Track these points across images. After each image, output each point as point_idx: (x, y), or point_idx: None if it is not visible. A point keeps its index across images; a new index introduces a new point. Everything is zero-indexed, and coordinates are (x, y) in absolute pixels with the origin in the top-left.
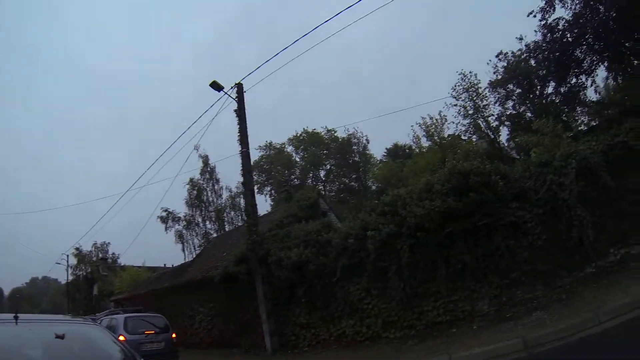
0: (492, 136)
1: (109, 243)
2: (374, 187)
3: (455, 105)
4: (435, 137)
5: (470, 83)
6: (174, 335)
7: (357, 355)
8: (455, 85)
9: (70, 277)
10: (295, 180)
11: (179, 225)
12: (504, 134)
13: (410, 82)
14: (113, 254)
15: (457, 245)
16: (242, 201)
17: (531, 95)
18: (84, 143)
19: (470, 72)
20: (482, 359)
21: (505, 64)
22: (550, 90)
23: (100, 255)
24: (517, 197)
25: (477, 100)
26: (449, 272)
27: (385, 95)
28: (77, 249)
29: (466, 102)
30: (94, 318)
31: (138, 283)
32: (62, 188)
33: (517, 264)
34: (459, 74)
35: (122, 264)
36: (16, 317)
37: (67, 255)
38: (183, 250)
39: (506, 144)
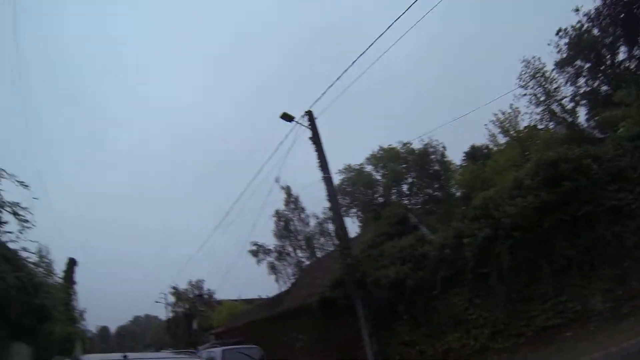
0: (570, 119)
1: (203, 280)
2: (458, 194)
3: (525, 94)
4: (511, 132)
5: (536, 69)
6: None
7: None
8: (521, 74)
9: (170, 314)
10: (379, 198)
11: (269, 257)
12: (581, 114)
13: (475, 82)
14: (208, 289)
15: (557, 240)
16: (330, 226)
17: (602, 67)
18: (169, 201)
19: (533, 57)
20: None
21: (568, 40)
22: (621, 56)
23: (196, 292)
24: (614, 178)
25: (546, 85)
26: (554, 270)
27: (453, 101)
28: (173, 287)
29: (535, 89)
30: (193, 352)
31: (235, 316)
32: (155, 236)
33: (627, 250)
34: (522, 62)
35: (218, 299)
36: (125, 357)
37: (165, 294)
38: (277, 280)
39: (586, 125)
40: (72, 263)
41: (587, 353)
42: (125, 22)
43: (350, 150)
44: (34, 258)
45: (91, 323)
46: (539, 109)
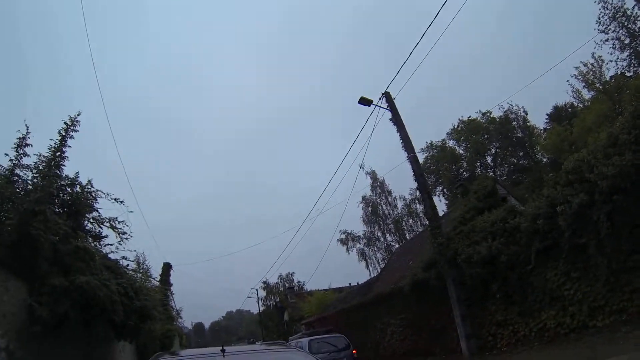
0: None
1: (293, 273)
2: (545, 160)
3: (607, 40)
4: (597, 84)
5: (615, 8)
6: (354, 352)
7: (563, 350)
8: (599, 17)
9: (262, 308)
10: (465, 173)
11: (359, 243)
12: None
13: (550, 36)
14: (299, 281)
15: None
16: (417, 207)
17: None
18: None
19: None
20: None
21: None
22: None
23: (286, 285)
24: None
25: (629, 25)
26: None
27: (529, 60)
28: (264, 282)
29: (618, 32)
30: (283, 342)
31: (326, 305)
32: (245, 234)
33: None
34: (599, 2)
35: (309, 290)
36: (223, 351)
37: (257, 290)
38: (367, 266)
39: None
40: (167, 267)
41: None
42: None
43: (430, 128)
44: (133, 265)
45: (187, 320)
46: (625, 54)
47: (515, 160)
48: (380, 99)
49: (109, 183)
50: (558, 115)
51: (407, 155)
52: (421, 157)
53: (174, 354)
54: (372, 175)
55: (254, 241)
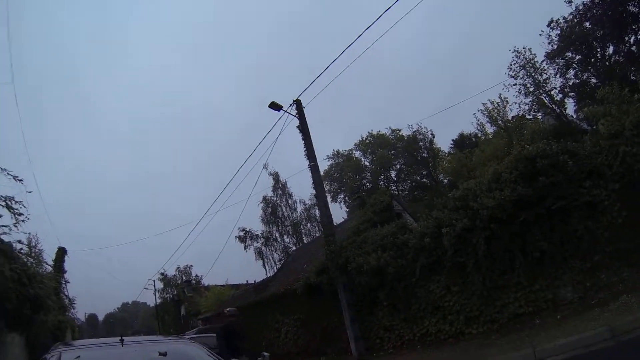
0: (558, 110)
1: (191, 266)
2: (445, 181)
3: (515, 84)
4: (499, 121)
5: (526, 59)
6: None
7: (441, 353)
8: (511, 64)
9: (158, 300)
10: (367, 184)
11: (257, 242)
12: (570, 106)
13: (464, 71)
14: (196, 275)
15: (533, 233)
16: (317, 212)
17: (593, 60)
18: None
19: (524, 48)
20: (567, 351)
21: (559, 32)
22: (611, 51)
23: (184, 278)
24: (589, 174)
25: (536, 76)
26: (528, 261)
27: (442, 89)
28: (162, 274)
29: (525, 80)
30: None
31: (223, 301)
32: (146, 222)
33: (599, 245)
34: (513, 52)
35: (206, 284)
36: (122, 340)
37: (154, 281)
38: (264, 266)
39: (574, 116)
40: (62, 252)
41: (552, 340)
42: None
43: (338, 136)
44: (25, 249)
45: (80, 311)
46: (528, 99)
47: (417, 178)
48: (290, 105)
49: (7, 160)
50: (462, 142)
51: (309, 163)
52: (326, 164)
53: (74, 344)
54: (275, 176)
55: (153, 232)
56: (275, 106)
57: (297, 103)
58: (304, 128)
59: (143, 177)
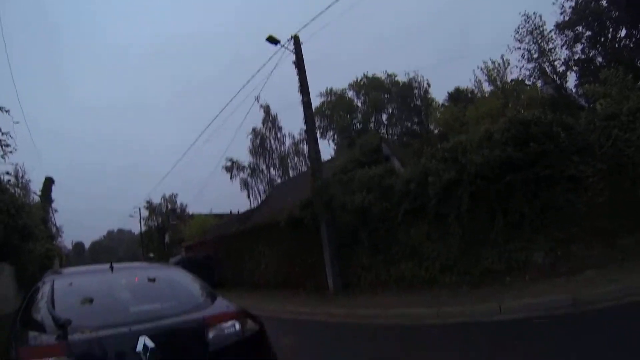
0: (559, 82)
1: (177, 194)
2: (436, 131)
3: (519, 48)
4: (498, 82)
5: (535, 25)
6: None
7: (414, 296)
8: (518, 28)
9: (143, 228)
10: (358, 124)
11: (243, 173)
12: (571, 79)
13: (471, 25)
14: (181, 203)
15: (516, 195)
16: (305, 147)
17: (602, 39)
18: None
19: (534, 14)
20: (531, 310)
21: (573, 4)
22: (623, 34)
23: (169, 206)
24: (580, 150)
25: (542, 44)
26: (507, 222)
27: (444, 39)
28: (147, 202)
29: (530, 45)
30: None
31: (206, 230)
32: (134, 149)
33: (577, 219)
34: (523, 15)
35: (191, 213)
36: (111, 267)
37: (140, 208)
38: (248, 197)
39: (574, 91)
40: (49, 182)
41: (518, 298)
42: None
43: (333, 74)
44: (13, 180)
45: (67, 239)
46: (530, 65)
47: (408, 125)
48: (288, 40)
49: None
50: (457, 96)
51: (302, 99)
52: (318, 101)
53: (64, 272)
54: (266, 109)
55: (140, 160)
56: (272, 40)
57: (295, 39)
58: (299, 64)
59: (132, 106)
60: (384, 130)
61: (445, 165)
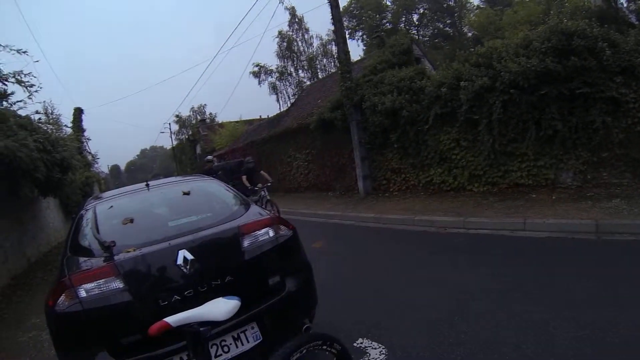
0: None
1: (205, 105)
2: (469, 34)
3: None
4: None
5: None
6: None
7: (441, 202)
8: None
9: (175, 142)
10: (387, 24)
11: (271, 77)
12: None
13: None
14: (210, 113)
15: (551, 110)
16: (333, 48)
17: None
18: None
19: None
20: (553, 231)
21: None
22: None
23: (198, 117)
24: (624, 71)
25: None
26: (539, 136)
27: None
28: (177, 116)
29: None
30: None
31: (237, 137)
32: (158, 68)
33: (611, 144)
34: None
35: (220, 122)
36: (147, 185)
37: (170, 124)
38: (277, 100)
39: (625, 5)
40: (78, 112)
41: (542, 216)
42: None
43: None
44: (43, 117)
45: (103, 164)
46: None
47: (440, 26)
48: None
49: (7, 35)
50: None
51: None
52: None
53: (104, 196)
54: (292, 11)
55: (166, 75)
56: None
57: None
58: None
59: (151, 21)
60: (414, 31)
61: (479, 71)
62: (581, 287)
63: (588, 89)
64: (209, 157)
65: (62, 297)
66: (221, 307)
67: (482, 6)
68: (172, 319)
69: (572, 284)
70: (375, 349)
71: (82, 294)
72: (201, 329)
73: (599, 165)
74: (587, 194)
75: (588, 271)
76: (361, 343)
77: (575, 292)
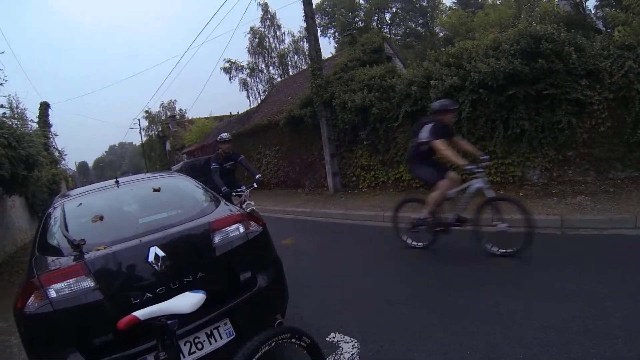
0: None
1: (175, 100)
2: (441, 35)
3: None
4: None
5: None
6: None
7: None
8: None
9: (144, 139)
10: (360, 22)
11: (242, 73)
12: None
13: None
14: (180, 109)
15: (518, 110)
16: (305, 45)
17: None
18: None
19: None
20: (519, 226)
21: None
22: None
23: (168, 113)
24: (589, 74)
25: None
26: (507, 135)
27: None
28: (146, 111)
29: None
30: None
31: (207, 133)
32: (127, 63)
33: (575, 144)
34: None
35: (190, 118)
36: (117, 182)
37: (139, 119)
38: (248, 97)
39: (592, 12)
40: (45, 107)
41: (510, 213)
42: None
43: None
44: (8, 112)
45: (70, 161)
46: None
47: (412, 25)
48: None
49: None
50: (467, 0)
51: None
52: None
53: (72, 194)
54: (264, 7)
55: (135, 70)
56: None
57: None
58: None
59: (121, 16)
60: (386, 29)
61: (449, 71)
62: (550, 278)
63: (554, 90)
64: (224, 135)
65: (32, 298)
66: (187, 300)
67: (454, 7)
68: (141, 313)
69: (539, 276)
70: (347, 342)
71: (52, 294)
72: (169, 322)
73: (564, 164)
74: (552, 191)
75: (554, 263)
76: (334, 337)
77: (542, 285)
